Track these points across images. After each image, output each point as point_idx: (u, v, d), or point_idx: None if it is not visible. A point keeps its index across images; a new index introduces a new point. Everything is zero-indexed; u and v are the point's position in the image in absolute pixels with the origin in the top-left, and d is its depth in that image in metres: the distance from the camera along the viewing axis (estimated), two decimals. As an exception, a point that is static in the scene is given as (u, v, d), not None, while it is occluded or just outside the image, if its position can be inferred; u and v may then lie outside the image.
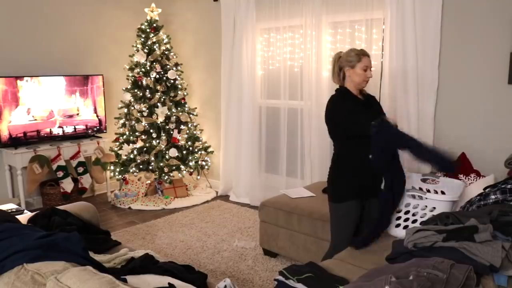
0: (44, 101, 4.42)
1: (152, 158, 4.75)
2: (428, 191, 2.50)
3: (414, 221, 2.43)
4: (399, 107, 3.55)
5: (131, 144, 4.81)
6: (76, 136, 4.72)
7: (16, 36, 4.40)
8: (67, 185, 4.47)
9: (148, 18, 4.90)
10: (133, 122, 4.79)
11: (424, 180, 2.62)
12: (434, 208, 2.36)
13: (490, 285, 1.64)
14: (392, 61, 3.55)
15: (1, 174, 4.40)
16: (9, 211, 2.98)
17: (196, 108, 5.19)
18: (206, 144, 5.17)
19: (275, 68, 4.55)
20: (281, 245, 3.31)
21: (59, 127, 4.57)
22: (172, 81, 4.90)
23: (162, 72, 4.84)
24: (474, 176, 2.98)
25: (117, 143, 4.88)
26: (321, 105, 3.99)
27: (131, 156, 4.77)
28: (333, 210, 2.56)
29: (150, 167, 4.80)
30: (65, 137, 4.63)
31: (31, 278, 1.44)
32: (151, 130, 4.78)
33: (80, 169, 4.59)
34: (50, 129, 4.51)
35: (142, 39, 4.85)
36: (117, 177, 4.87)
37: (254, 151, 4.69)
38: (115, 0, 5.19)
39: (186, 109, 4.99)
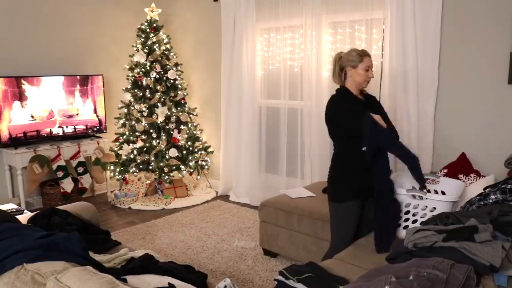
0: (44, 101, 4.42)
1: (152, 158, 4.75)
2: (428, 191, 2.50)
3: (414, 221, 2.43)
4: (399, 107, 3.55)
5: (131, 144, 4.81)
6: (76, 136, 4.72)
7: (16, 36, 4.40)
8: (67, 185, 4.47)
9: (148, 18, 4.90)
10: (133, 122, 4.79)
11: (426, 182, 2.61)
12: (434, 208, 2.35)
13: (490, 285, 1.64)
14: (392, 61, 3.55)
15: (1, 174, 4.40)
16: (9, 211, 2.98)
17: (196, 108, 5.20)
18: (206, 144, 5.18)
19: (275, 68, 4.55)
20: (281, 245, 3.31)
21: (59, 127, 4.58)
22: (172, 81, 4.90)
23: (162, 72, 4.84)
24: (474, 176, 2.98)
25: (117, 143, 4.88)
26: (321, 105, 3.99)
27: (131, 156, 4.77)
28: (333, 210, 2.56)
29: (150, 167, 4.80)
30: (65, 137, 4.63)
31: (31, 278, 1.44)
32: (151, 130, 4.78)
33: (80, 169, 4.60)
34: (50, 129, 4.51)
35: (142, 39, 4.85)
36: (117, 177, 4.87)
37: (254, 151, 4.69)
38: (115, 0, 5.19)
39: (186, 109, 4.99)
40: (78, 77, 4.68)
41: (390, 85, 3.60)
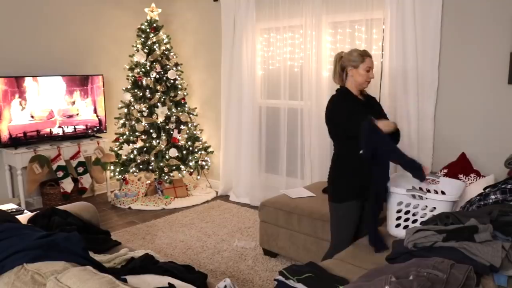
0: (44, 101, 4.42)
1: (152, 158, 4.75)
2: (429, 191, 2.50)
3: (414, 221, 2.43)
4: (399, 107, 3.55)
5: (131, 144, 4.81)
6: (76, 136, 4.72)
7: (16, 36, 4.40)
8: (67, 185, 4.47)
9: (148, 18, 4.90)
10: (133, 122, 4.79)
11: (425, 181, 2.61)
12: (434, 208, 2.36)
13: (490, 285, 1.64)
14: (392, 61, 3.55)
15: (1, 174, 4.40)
16: (9, 211, 2.98)
17: (196, 108, 5.20)
18: (206, 144, 5.18)
19: (275, 68, 4.55)
20: (281, 245, 3.31)
21: (59, 127, 4.57)
22: (172, 81, 4.90)
23: (162, 72, 4.84)
24: (474, 176, 2.98)
25: (117, 143, 4.88)
26: (321, 105, 3.99)
27: (131, 156, 4.77)
28: (333, 210, 2.57)
29: (150, 167, 4.80)
30: (65, 137, 4.63)
31: (31, 278, 1.44)
32: (151, 130, 4.78)
33: (80, 169, 4.59)
34: (50, 129, 4.51)
35: (142, 39, 4.85)
36: (117, 177, 4.87)
37: (254, 151, 4.69)
38: (115, 0, 5.19)
39: (186, 109, 4.99)
40: (78, 77, 4.68)
41: (390, 85, 3.60)
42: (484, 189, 2.33)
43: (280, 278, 2.02)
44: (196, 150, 5.02)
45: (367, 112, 2.45)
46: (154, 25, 4.87)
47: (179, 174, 4.92)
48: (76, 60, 4.89)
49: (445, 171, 3.13)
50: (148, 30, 4.85)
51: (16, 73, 4.32)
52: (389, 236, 2.52)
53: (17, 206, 3.24)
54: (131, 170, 4.76)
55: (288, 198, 3.37)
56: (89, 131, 4.83)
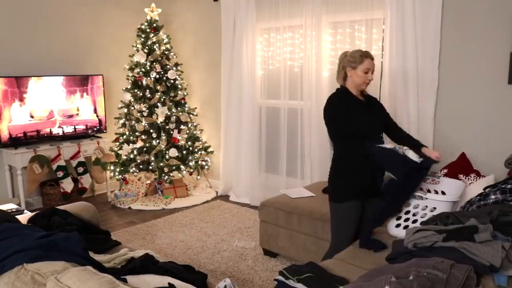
0: (44, 101, 4.42)
1: (152, 158, 4.75)
2: (429, 191, 2.50)
3: (414, 221, 2.43)
4: (399, 107, 3.55)
5: (131, 144, 4.81)
6: (76, 136, 4.72)
7: (16, 36, 4.40)
8: (67, 185, 4.47)
9: (148, 18, 4.90)
10: (133, 122, 4.79)
11: (424, 180, 2.62)
12: (435, 208, 2.36)
13: (490, 285, 1.64)
14: (392, 61, 3.55)
15: (1, 174, 4.40)
16: (9, 211, 2.98)
17: (196, 108, 5.19)
18: (206, 144, 5.17)
19: (275, 68, 4.55)
20: (281, 245, 3.31)
21: (59, 127, 4.57)
22: (172, 81, 4.90)
23: (162, 72, 4.84)
24: (474, 176, 2.98)
25: (117, 143, 4.88)
26: (321, 105, 3.99)
27: (131, 156, 4.77)
28: (333, 210, 2.57)
29: (150, 167, 4.80)
30: (65, 137, 4.63)
31: (31, 278, 1.44)
32: (151, 130, 4.78)
33: (80, 169, 4.59)
34: (50, 129, 4.51)
35: (142, 39, 4.85)
36: (117, 177, 4.87)
37: (254, 151, 4.69)
38: (115, 0, 5.19)
39: (186, 109, 4.99)
40: (78, 77, 4.68)
41: (390, 85, 3.60)
42: (484, 189, 2.33)
43: (280, 278, 2.02)
44: (196, 150, 5.02)
45: (367, 112, 2.46)
46: (154, 25, 4.87)
47: (179, 174, 4.92)
48: (76, 60, 4.89)
49: (445, 171, 3.13)
50: (148, 30, 4.85)
51: (16, 73, 4.32)
52: (389, 236, 2.52)
53: (17, 206, 3.24)
54: (131, 170, 4.76)
55: (288, 198, 3.37)
56: (89, 131, 4.83)
